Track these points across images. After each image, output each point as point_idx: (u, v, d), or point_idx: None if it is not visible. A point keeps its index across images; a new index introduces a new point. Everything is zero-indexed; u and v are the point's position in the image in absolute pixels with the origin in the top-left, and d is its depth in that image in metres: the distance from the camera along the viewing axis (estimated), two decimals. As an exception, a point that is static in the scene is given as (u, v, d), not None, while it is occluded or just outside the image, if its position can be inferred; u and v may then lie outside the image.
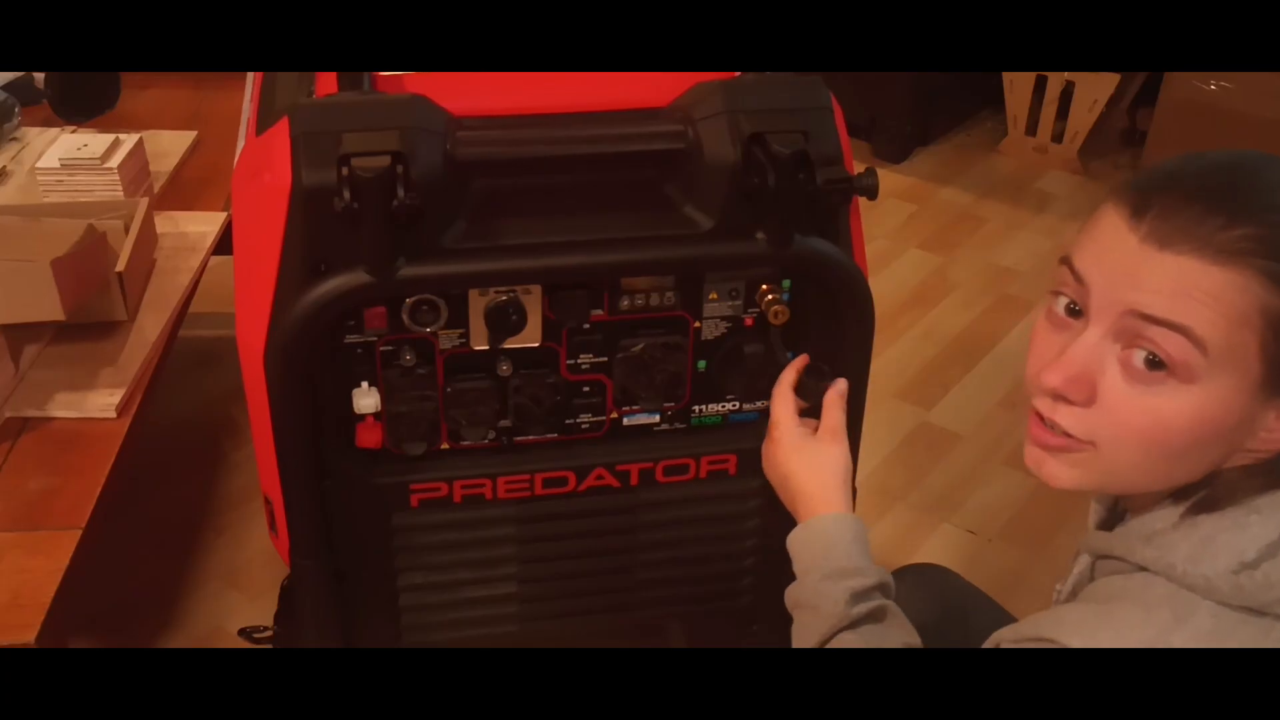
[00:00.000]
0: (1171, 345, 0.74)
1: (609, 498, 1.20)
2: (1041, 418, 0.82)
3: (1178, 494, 0.82)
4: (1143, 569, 0.79)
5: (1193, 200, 0.74)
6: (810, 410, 1.15)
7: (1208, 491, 0.80)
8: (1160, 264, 0.74)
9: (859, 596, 0.99)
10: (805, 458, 1.10)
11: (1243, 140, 2.70)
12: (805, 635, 1.03)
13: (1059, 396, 0.79)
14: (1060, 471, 0.82)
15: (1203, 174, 0.77)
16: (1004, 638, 0.83)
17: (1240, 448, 0.79)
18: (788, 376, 1.14)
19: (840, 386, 1.13)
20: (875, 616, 1.00)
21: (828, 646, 1.00)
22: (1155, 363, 0.75)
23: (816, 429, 1.13)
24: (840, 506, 1.07)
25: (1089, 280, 0.79)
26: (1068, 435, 0.80)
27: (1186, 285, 0.73)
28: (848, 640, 0.99)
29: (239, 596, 1.87)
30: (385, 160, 0.96)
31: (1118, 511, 0.92)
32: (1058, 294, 0.82)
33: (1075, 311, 0.80)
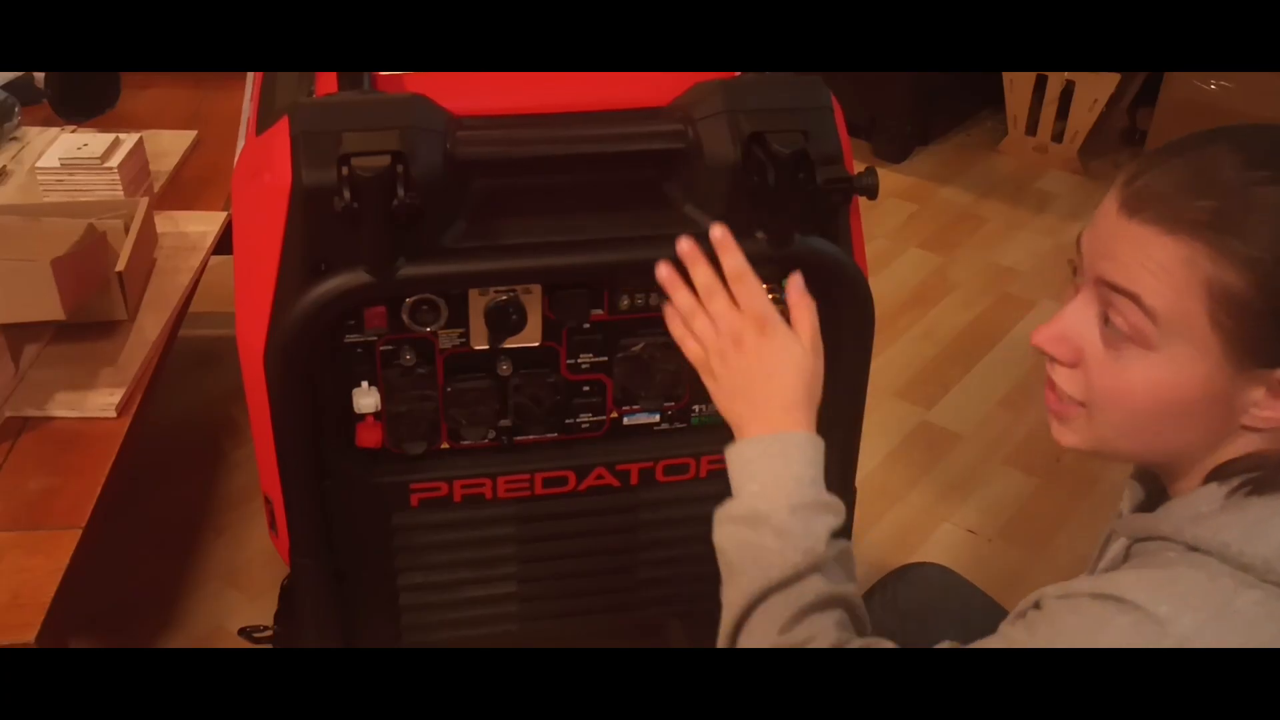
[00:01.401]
0: (1127, 311, 0.78)
1: (609, 497, 1.20)
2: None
3: (1219, 476, 0.82)
4: (1194, 549, 0.78)
5: (1166, 174, 0.77)
6: None
7: (1258, 475, 0.80)
8: (1126, 232, 0.78)
9: (835, 535, 0.90)
10: (782, 360, 0.93)
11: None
12: (757, 567, 0.88)
13: (1049, 357, 0.85)
14: (1064, 434, 0.87)
15: (1181, 150, 0.79)
16: (1049, 594, 0.80)
17: (1234, 425, 0.79)
18: (739, 258, 0.96)
19: (796, 280, 0.97)
20: (843, 559, 0.91)
21: (789, 587, 0.87)
22: (1117, 328, 0.80)
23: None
24: (808, 425, 0.93)
25: (1083, 249, 0.83)
26: (1066, 397, 0.85)
27: (1142, 254, 0.77)
28: (815, 584, 0.87)
29: (239, 596, 1.87)
30: (385, 160, 0.96)
31: (1154, 495, 0.92)
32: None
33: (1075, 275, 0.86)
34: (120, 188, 1.65)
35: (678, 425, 1.21)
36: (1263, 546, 0.75)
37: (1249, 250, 0.73)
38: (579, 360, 1.14)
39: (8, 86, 1.90)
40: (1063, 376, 0.85)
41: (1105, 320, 0.80)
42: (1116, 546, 0.87)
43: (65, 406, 1.32)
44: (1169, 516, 0.83)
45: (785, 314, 0.95)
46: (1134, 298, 0.77)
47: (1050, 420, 0.88)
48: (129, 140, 1.70)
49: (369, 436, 1.11)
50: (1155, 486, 0.92)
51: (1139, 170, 0.79)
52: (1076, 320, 0.83)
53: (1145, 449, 0.85)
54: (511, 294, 1.09)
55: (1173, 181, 0.76)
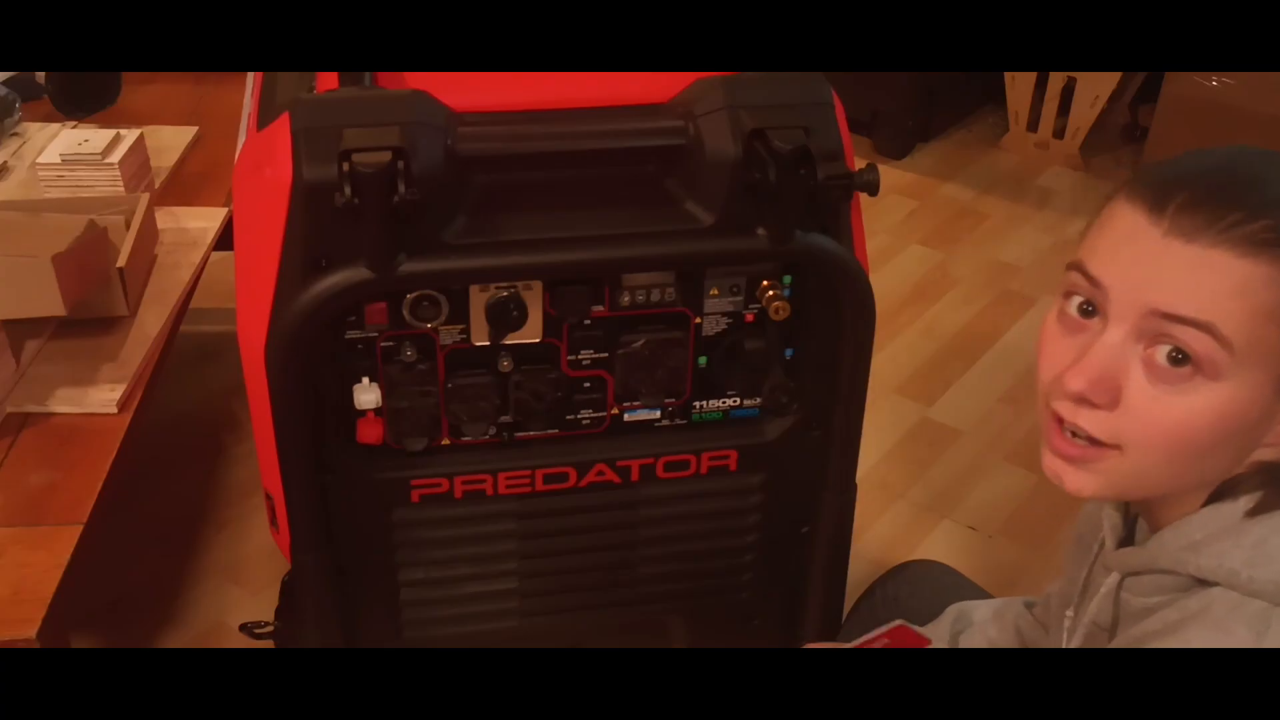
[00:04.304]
0: (1197, 343, 0.72)
1: (609, 493, 1.21)
2: (1060, 424, 0.79)
3: (1211, 500, 0.79)
4: (1199, 581, 0.77)
5: (1210, 194, 0.73)
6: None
7: (1262, 493, 0.78)
8: (1185, 257, 0.72)
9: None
10: None
11: (1244, 136, 2.68)
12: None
13: (1082, 400, 0.76)
14: (1084, 480, 0.79)
15: (1212, 170, 0.76)
16: None
17: (1260, 442, 0.77)
18: None
19: None
20: None
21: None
22: (1181, 360, 0.73)
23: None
24: None
25: (1105, 281, 0.76)
26: (1092, 441, 0.77)
27: (1212, 278, 0.72)
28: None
29: (240, 592, 1.87)
30: (386, 156, 0.96)
31: (1129, 524, 0.89)
32: (1069, 295, 0.79)
33: (1089, 312, 0.78)
34: (121, 183, 1.65)
35: (678, 421, 1.21)
36: (1271, 569, 0.73)
37: None
38: (580, 356, 1.14)
39: (8, 82, 1.89)
40: (1093, 420, 0.76)
41: (1171, 353, 0.73)
42: (1109, 581, 0.85)
43: (66, 402, 1.32)
44: (1163, 548, 0.80)
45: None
46: (1208, 328, 0.72)
47: (1057, 468, 0.80)
48: (130, 136, 1.70)
49: (370, 432, 1.11)
50: (1126, 516, 0.89)
51: (1163, 190, 0.74)
52: (1113, 357, 0.75)
53: (1177, 483, 0.79)
54: (512, 290, 1.09)
55: (1216, 205, 0.72)
